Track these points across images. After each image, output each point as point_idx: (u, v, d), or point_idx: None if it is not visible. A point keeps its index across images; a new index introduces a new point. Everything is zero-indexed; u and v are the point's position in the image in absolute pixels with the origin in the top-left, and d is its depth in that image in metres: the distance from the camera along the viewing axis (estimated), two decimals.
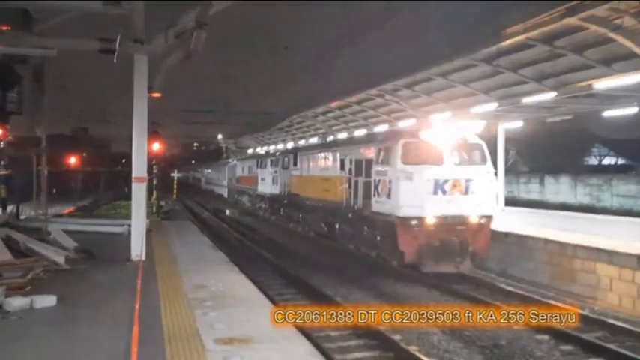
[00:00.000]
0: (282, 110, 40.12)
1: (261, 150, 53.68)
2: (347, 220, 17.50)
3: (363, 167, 16.01)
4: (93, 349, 6.30)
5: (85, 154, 65.84)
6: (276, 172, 27.86)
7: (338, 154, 18.71)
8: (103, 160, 69.44)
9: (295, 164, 24.34)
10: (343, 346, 8.88)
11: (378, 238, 15.03)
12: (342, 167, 17.86)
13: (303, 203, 22.73)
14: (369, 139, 16.66)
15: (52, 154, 22.73)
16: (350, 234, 17.56)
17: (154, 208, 24.89)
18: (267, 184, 29.72)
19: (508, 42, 14.50)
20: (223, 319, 7.42)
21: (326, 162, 20.05)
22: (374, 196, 14.89)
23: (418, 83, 23.22)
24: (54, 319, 7.62)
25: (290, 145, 41.75)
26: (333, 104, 32.01)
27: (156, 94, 15.85)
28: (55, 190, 33.16)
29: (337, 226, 18.69)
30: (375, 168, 15.01)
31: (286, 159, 26.29)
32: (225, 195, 47.71)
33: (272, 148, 46.61)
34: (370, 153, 15.72)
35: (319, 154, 21.31)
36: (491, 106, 18.59)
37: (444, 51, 17.76)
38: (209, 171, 63.93)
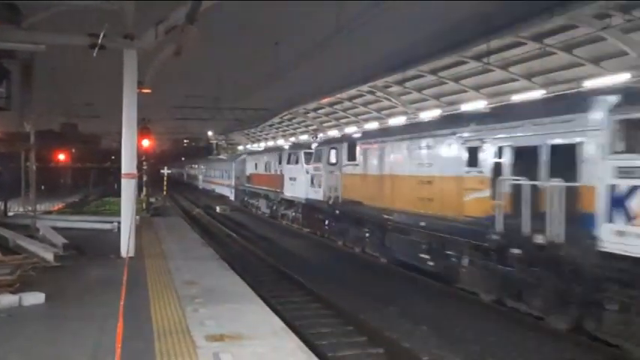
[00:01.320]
0: (273, 107, 40.26)
1: (257, 146, 52.87)
2: (499, 256, 10.17)
3: (540, 162, 9.44)
4: (82, 346, 6.26)
5: (74, 150, 65.46)
6: (316, 169, 20.80)
7: (458, 140, 11.73)
8: (92, 156, 69.03)
9: (352, 158, 17.41)
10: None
11: (610, 307, 8.03)
12: (473, 162, 11.18)
13: (376, 217, 15.13)
14: (570, 106, 9.32)
15: (40, 150, 22.56)
16: (500, 281, 10.31)
17: (144, 205, 24.80)
18: (301, 186, 22.31)
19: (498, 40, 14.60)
20: (214, 315, 7.42)
21: (425, 152, 13.02)
22: (608, 220, 7.96)
23: (409, 80, 23.42)
24: (42, 317, 7.57)
25: (281, 141, 41.40)
26: (324, 101, 32.11)
27: (146, 90, 15.77)
28: (43, 187, 32.94)
29: (465, 263, 11.32)
30: (610, 163, 7.96)
31: (333, 151, 19.30)
32: (232, 197, 40.32)
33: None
34: (571, 134, 8.89)
35: (408, 141, 13.94)
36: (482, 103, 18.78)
37: (435, 48, 17.83)
38: (209, 167, 53.68)
